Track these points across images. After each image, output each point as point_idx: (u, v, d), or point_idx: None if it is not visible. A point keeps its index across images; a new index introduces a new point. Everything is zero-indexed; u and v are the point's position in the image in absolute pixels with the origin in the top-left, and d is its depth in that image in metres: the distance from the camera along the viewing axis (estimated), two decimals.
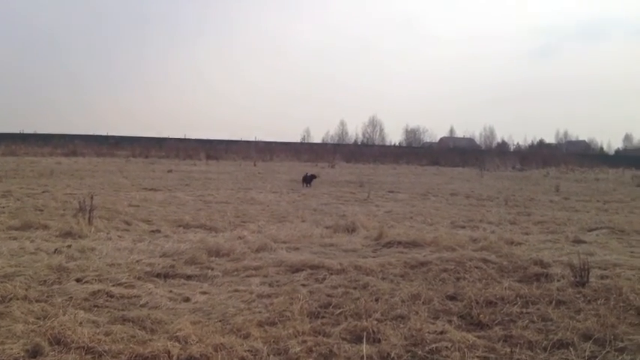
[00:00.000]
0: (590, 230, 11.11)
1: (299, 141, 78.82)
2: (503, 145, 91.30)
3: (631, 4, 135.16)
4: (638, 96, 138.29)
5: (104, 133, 56.05)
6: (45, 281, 6.00)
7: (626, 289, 5.93)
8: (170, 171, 27.66)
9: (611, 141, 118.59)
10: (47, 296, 5.48)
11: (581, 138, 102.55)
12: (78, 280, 6.06)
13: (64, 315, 4.73)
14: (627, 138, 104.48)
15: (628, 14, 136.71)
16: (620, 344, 4.44)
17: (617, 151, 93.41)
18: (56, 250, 7.50)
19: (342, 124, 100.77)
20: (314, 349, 4.29)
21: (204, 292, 5.90)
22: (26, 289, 5.57)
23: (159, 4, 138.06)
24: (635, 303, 5.54)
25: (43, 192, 15.52)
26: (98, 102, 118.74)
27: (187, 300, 5.61)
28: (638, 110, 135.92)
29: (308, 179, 21.31)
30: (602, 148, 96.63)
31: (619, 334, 4.62)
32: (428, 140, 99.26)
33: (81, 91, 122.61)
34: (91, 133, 55.82)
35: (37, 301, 5.27)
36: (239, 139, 58.52)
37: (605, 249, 8.84)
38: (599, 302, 5.59)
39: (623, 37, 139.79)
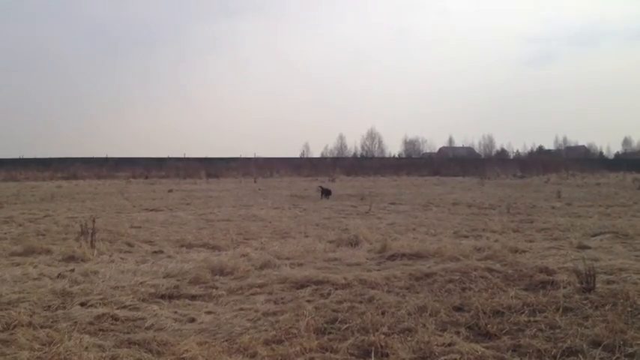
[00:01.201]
0: (594, 235, 11.09)
1: (298, 156, 78.84)
2: (503, 152, 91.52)
3: (625, 10, 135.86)
4: (636, 99, 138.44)
5: (104, 155, 56.09)
6: (49, 306, 5.97)
7: (633, 294, 5.90)
8: (171, 191, 27.67)
9: (610, 145, 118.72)
10: (52, 322, 5.45)
11: (580, 143, 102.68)
12: (82, 305, 6.03)
13: (69, 340, 4.70)
14: (626, 141, 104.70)
15: (623, 20, 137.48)
16: (630, 349, 4.41)
17: (617, 155, 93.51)
18: (59, 274, 7.47)
19: (341, 137, 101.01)
20: None
21: (210, 312, 5.87)
22: (31, 316, 5.55)
23: (159, 25, 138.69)
24: None
25: (45, 216, 15.52)
26: (97, 124, 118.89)
27: (193, 320, 5.57)
28: (637, 113, 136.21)
29: (327, 192, 22.53)
30: (601, 153, 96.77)
31: (628, 339, 4.59)
32: (427, 151, 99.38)
33: (80, 114, 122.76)
34: (90, 155, 55.96)
35: (41, 327, 5.23)
36: (238, 156, 58.59)
37: (609, 254, 8.81)
38: (606, 308, 5.56)
39: (618, 43, 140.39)
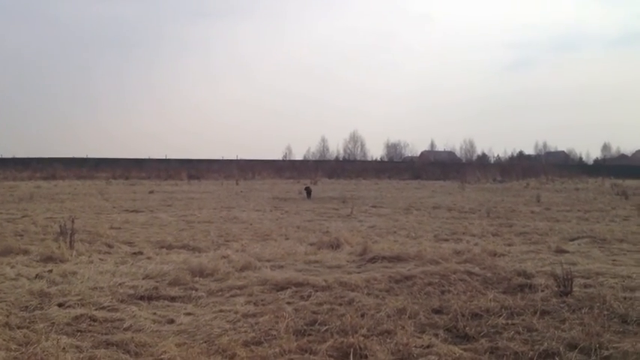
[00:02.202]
0: (572, 240, 11.22)
1: (280, 158, 78.69)
2: (484, 157, 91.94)
3: (604, 17, 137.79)
4: (615, 105, 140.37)
5: (83, 156, 55.50)
6: (26, 307, 5.90)
7: (609, 298, 6.00)
8: (152, 192, 27.52)
9: (589, 151, 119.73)
10: (29, 322, 5.39)
11: (560, 149, 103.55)
12: (60, 305, 5.97)
13: (46, 341, 4.65)
14: (605, 147, 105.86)
15: (601, 26, 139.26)
16: (606, 352, 4.47)
17: (596, 161, 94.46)
18: (37, 275, 7.39)
19: (323, 140, 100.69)
20: None
21: (189, 314, 5.84)
22: (7, 316, 5.49)
23: (136, 25, 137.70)
24: (619, 311, 5.60)
25: (23, 216, 15.33)
26: (76, 124, 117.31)
27: (172, 322, 5.54)
28: (616, 119, 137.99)
29: (308, 192, 24.84)
30: (581, 158, 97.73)
31: (604, 342, 4.65)
32: (409, 154, 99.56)
33: (59, 114, 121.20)
34: (70, 155, 55.21)
35: (18, 327, 5.17)
36: (220, 157, 58.36)
37: (587, 258, 8.92)
38: (583, 311, 5.63)
39: (597, 49, 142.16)
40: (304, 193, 25.13)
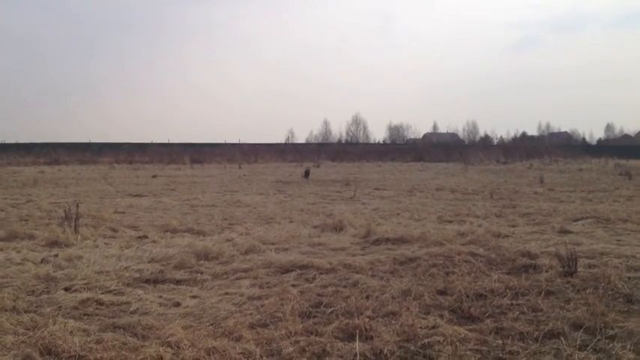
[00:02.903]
0: (576, 220, 11.20)
1: (283, 142, 78.60)
2: (487, 138, 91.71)
3: None
4: (619, 85, 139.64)
5: (86, 141, 55.49)
6: (33, 291, 5.94)
7: (614, 278, 6.00)
8: (155, 176, 27.51)
9: (593, 131, 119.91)
10: (36, 306, 5.43)
11: (563, 129, 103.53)
12: (66, 289, 6.00)
13: (53, 325, 4.68)
14: (609, 128, 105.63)
15: (604, 6, 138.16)
16: (610, 332, 4.49)
17: (600, 141, 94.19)
18: (43, 259, 7.42)
19: (326, 123, 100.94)
20: (307, 348, 4.28)
21: (195, 296, 5.88)
22: (14, 300, 5.52)
23: (139, 8, 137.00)
24: (624, 291, 5.62)
25: (28, 202, 15.38)
26: (79, 109, 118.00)
27: (178, 305, 5.58)
28: (619, 100, 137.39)
29: (306, 173, 26.38)
30: (584, 139, 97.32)
31: (609, 322, 4.67)
32: (412, 137, 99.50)
33: (62, 99, 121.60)
34: (73, 140, 55.19)
35: (25, 311, 5.21)
36: (223, 141, 58.29)
37: (591, 238, 8.92)
38: (587, 291, 5.65)
39: (599, 28, 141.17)
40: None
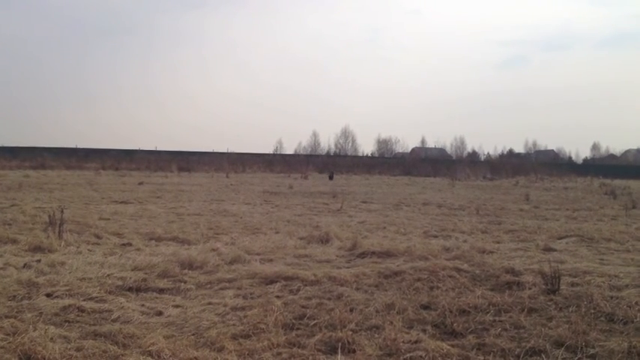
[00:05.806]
0: (560, 238, 11.27)
1: (271, 152, 78.60)
2: (474, 154, 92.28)
3: (595, 17, 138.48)
4: (605, 105, 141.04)
5: (73, 146, 55.23)
6: (14, 297, 5.88)
7: (596, 296, 6.03)
8: (141, 183, 27.41)
9: (579, 150, 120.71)
10: (17, 312, 5.37)
11: (549, 147, 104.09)
12: (48, 295, 5.95)
13: (34, 331, 4.64)
14: (595, 147, 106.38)
15: (592, 27, 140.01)
16: (592, 351, 4.50)
17: (585, 160, 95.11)
18: (25, 264, 7.35)
19: (315, 134, 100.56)
20: None
21: (177, 306, 5.84)
22: None
23: (129, 15, 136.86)
24: (606, 309, 5.64)
25: (12, 205, 15.23)
26: (67, 114, 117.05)
27: (160, 314, 5.54)
28: (606, 119, 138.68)
29: (331, 176, 29.99)
30: (570, 157, 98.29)
31: (590, 340, 4.69)
32: (400, 150, 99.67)
33: (49, 103, 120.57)
34: (59, 145, 54.88)
35: (6, 317, 5.15)
36: (211, 150, 58.28)
37: (575, 257, 8.97)
38: (570, 309, 5.68)
39: (587, 48, 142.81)
40: (327, 177, 29.19)
